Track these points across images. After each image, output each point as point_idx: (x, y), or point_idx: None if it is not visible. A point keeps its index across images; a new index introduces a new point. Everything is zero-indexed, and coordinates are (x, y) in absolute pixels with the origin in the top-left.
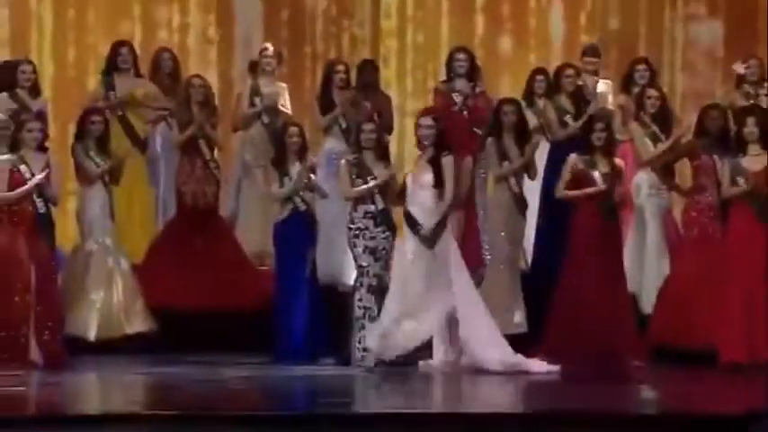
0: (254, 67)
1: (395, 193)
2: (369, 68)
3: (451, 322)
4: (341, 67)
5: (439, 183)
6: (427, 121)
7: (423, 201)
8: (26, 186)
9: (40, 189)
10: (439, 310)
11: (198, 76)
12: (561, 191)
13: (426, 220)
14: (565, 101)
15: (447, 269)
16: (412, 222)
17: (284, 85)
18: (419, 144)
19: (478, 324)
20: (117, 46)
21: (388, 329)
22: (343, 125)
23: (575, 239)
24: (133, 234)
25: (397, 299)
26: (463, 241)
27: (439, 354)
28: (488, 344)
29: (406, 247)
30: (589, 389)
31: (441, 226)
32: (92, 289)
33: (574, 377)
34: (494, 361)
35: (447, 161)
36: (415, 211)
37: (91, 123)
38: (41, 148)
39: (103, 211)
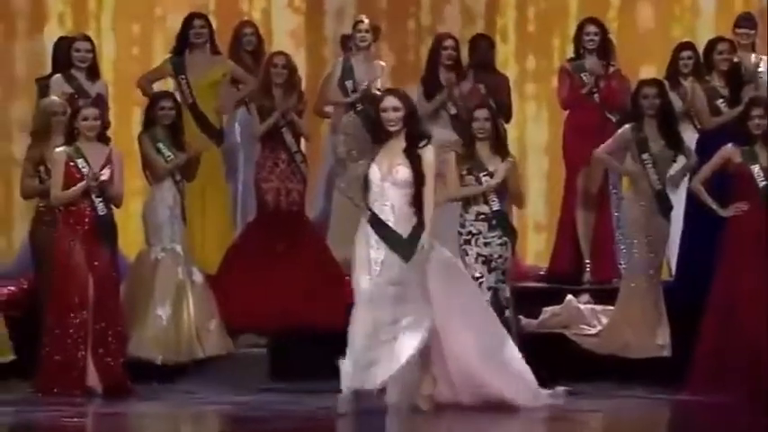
0: (346, 43)
1: (516, 191)
2: (483, 45)
3: (427, 349)
4: (450, 43)
5: (418, 181)
6: (392, 101)
7: (393, 202)
8: (84, 183)
9: (101, 187)
10: (416, 334)
11: (281, 53)
12: (697, 184)
13: (399, 226)
14: (717, 82)
15: (425, 284)
16: (381, 227)
17: (382, 63)
18: (383, 130)
19: (501, 352)
20: (190, 19)
21: (361, 357)
22: (453, 111)
23: (730, 245)
24: (207, 240)
25: (365, 321)
26: (594, 248)
27: (402, 389)
28: (514, 377)
29: (372, 255)
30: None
31: (416, 235)
32: (159, 304)
33: (731, 412)
34: (526, 396)
35: (427, 154)
36: (384, 212)
37: (160, 110)
38: (102, 139)
39: (173, 212)
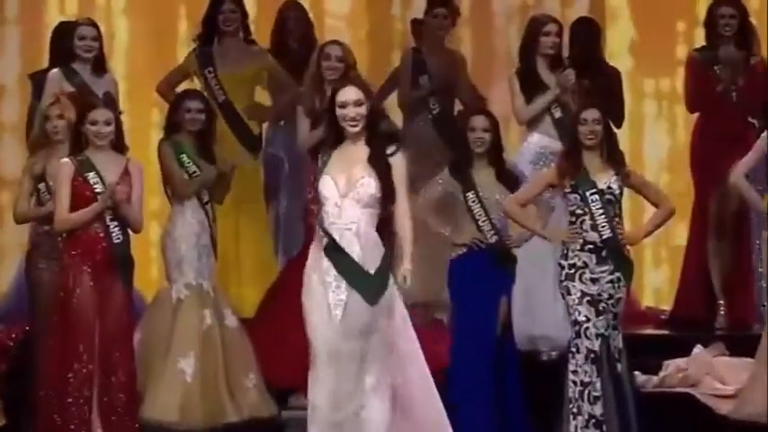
0: (417, 29)
1: (657, 199)
2: (587, 31)
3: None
4: (552, 28)
5: (387, 194)
6: (352, 92)
7: (358, 225)
8: (100, 203)
9: (117, 208)
10: (381, 406)
11: (335, 43)
12: (739, 177)
13: (366, 257)
14: None
15: (392, 333)
16: (341, 258)
17: (461, 55)
18: (338, 131)
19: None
20: (218, 1)
21: (324, 420)
22: (557, 114)
23: None
24: (243, 275)
25: (326, 386)
26: (729, 286)
27: None
28: None
29: (330, 297)
30: None
31: (385, 268)
32: (181, 355)
33: None
34: None
35: (398, 161)
36: (346, 238)
37: (186, 112)
38: (117, 148)
39: (200, 240)
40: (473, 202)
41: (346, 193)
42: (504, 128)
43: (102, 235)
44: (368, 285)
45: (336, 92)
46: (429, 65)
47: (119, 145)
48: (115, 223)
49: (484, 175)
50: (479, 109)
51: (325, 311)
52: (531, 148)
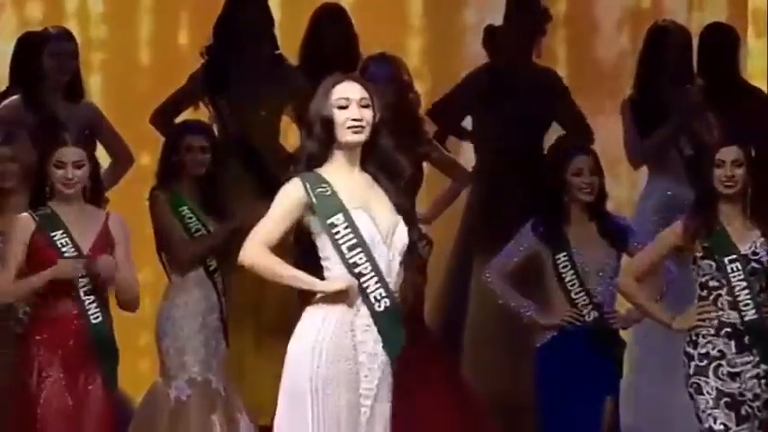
0: (493, 40)
1: None
2: (721, 41)
3: None
4: (678, 38)
5: (412, 244)
6: (353, 88)
7: (394, 283)
8: (60, 267)
9: (94, 277)
10: None
11: (385, 57)
12: None
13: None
14: None
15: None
16: (390, 324)
17: (555, 73)
18: (330, 143)
19: None
20: (234, 3)
21: None
22: (688, 151)
23: None
24: (263, 369)
25: None
26: None
27: None
28: None
29: (362, 387)
30: None
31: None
32: None
33: None
34: None
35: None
36: (384, 303)
37: (186, 151)
38: (93, 200)
39: (206, 322)
40: (566, 267)
41: (386, 239)
42: (609, 168)
43: (75, 313)
44: (396, 351)
45: (333, 86)
46: (510, 86)
47: (94, 195)
48: (92, 297)
49: (581, 232)
50: (580, 146)
51: (353, 381)
52: (651, 196)
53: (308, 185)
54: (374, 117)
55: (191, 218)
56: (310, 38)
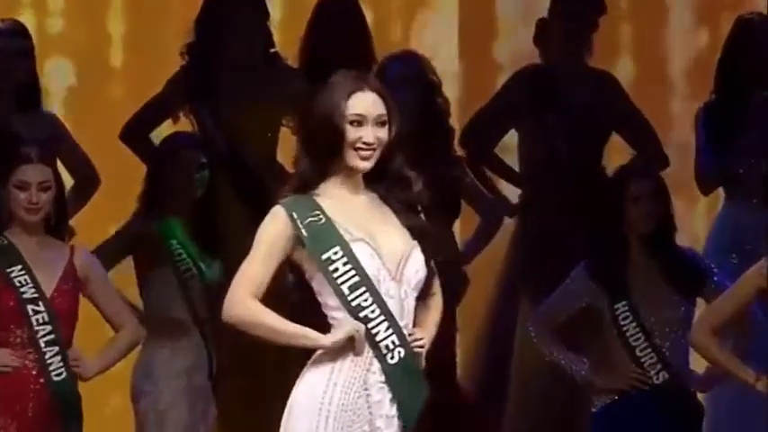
0: (544, 35)
1: None
2: None
3: None
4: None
5: (430, 278)
6: (370, 101)
7: (408, 321)
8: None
9: (58, 328)
10: None
11: (412, 55)
12: None
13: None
14: None
15: None
16: (402, 377)
17: (612, 76)
18: (332, 161)
19: None
20: None
21: None
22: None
23: None
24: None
25: None
26: None
27: None
28: None
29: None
30: None
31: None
32: None
33: None
34: None
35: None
36: (394, 351)
37: (172, 170)
38: (57, 230)
39: (191, 383)
40: (627, 319)
41: (394, 273)
42: (683, 194)
43: (34, 371)
44: (415, 410)
45: (348, 96)
46: (561, 90)
47: (59, 224)
48: (54, 349)
49: (645, 275)
50: (641, 166)
51: None
52: (727, 228)
53: (294, 214)
54: (390, 134)
55: (180, 253)
56: (312, 32)
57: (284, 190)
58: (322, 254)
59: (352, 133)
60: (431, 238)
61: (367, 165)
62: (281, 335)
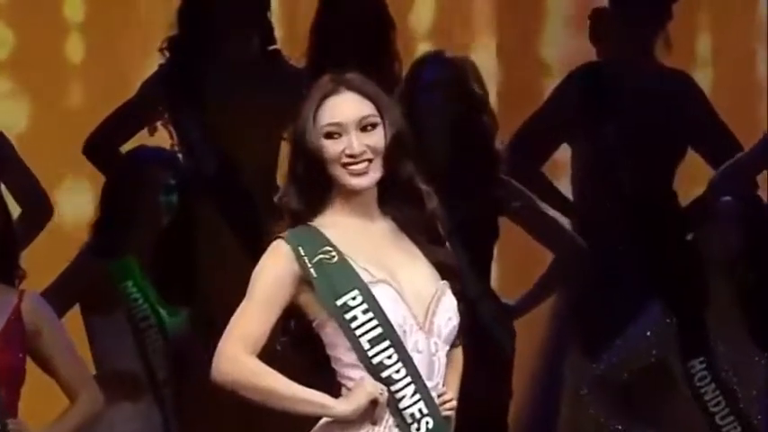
0: (601, 27)
1: None
2: None
3: None
4: None
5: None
6: (347, 104)
7: (439, 379)
8: None
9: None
10: None
11: (439, 56)
12: None
13: None
14: None
15: None
16: None
17: (686, 75)
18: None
19: None
20: None
21: None
22: None
23: None
24: None
25: None
26: None
27: None
28: None
29: None
30: None
31: None
32: None
33: None
34: None
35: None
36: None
37: (132, 193)
38: (2, 271)
39: None
40: (704, 379)
41: (423, 322)
42: None
43: None
44: None
45: (320, 102)
46: (624, 94)
47: (5, 263)
48: None
49: (725, 322)
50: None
51: None
52: None
53: (301, 250)
54: (385, 138)
55: (136, 299)
56: (321, 23)
57: (280, 227)
58: (336, 299)
59: (330, 148)
60: (459, 277)
61: (363, 181)
62: (286, 400)
